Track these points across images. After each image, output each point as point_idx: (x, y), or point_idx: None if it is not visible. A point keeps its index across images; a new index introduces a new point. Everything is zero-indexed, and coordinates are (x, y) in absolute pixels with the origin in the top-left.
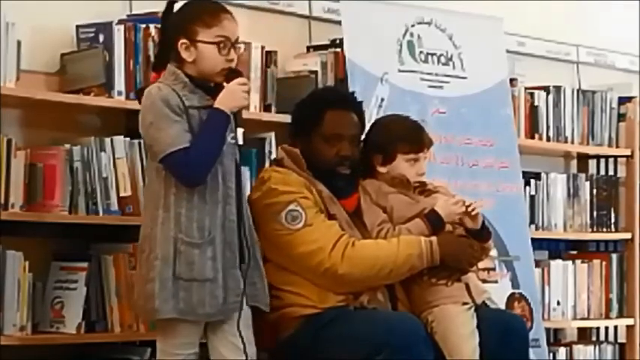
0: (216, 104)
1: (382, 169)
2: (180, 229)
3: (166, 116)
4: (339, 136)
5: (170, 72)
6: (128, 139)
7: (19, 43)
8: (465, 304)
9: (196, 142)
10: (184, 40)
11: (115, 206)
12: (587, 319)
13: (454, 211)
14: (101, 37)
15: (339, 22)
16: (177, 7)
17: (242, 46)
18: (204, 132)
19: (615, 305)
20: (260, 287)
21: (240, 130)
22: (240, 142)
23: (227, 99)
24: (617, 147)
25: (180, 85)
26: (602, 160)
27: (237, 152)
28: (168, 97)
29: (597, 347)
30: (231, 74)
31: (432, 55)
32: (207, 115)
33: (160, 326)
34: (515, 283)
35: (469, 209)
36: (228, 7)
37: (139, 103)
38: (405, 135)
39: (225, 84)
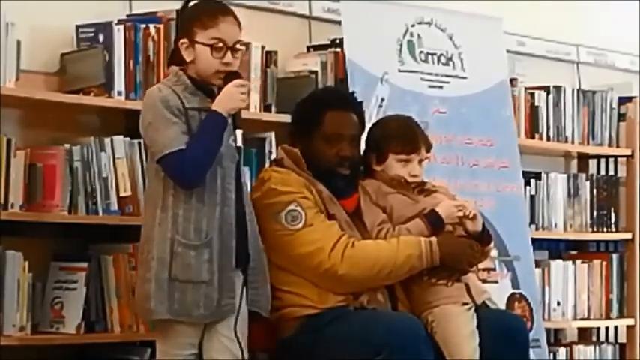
0: (213, 106)
1: (377, 168)
2: (177, 231)
3: (164, 117)
4: (339, 137)
5: (173, 73)
6: (128, 139)
7: (19, 43)
8: (465, 304)
9: (192, 144)
10: (184, 40)
11: (114, 206)
12: (588, 319)
13: (454, 212)
14: (101, 37)
15: (339, 22)
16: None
17: (243, 49)
18: (200, 134)
19: (615, 305)
20: (262, 292)
21: (239, 132)
22: (239, 143)
23: (224, 101)
24: (618, 147)
25: (181, 86)
26: (603, 160)
27: (236, 154)
28: (167, 97)
29: (597, 347)
30: (230, 76)
31: (432, 55)
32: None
33: (159, 326)
34: (515, 283)
35: (466, 213)
36: None
37: None
38: (397, 134)
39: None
